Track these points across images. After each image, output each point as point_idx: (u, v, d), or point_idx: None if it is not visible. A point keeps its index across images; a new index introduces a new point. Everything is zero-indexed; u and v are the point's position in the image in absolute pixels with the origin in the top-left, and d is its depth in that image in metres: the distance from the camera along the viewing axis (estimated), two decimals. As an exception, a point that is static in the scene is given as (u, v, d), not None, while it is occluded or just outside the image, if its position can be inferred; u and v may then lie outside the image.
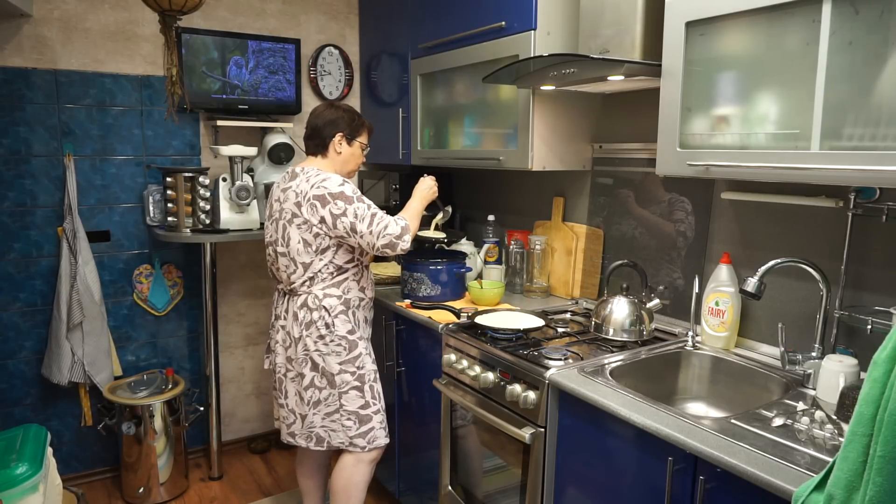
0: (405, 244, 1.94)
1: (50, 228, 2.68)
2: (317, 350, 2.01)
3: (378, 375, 2.13)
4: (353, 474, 2.10)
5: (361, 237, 1.93)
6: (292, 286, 2.03)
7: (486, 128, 2.39)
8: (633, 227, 2.22)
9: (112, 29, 2.70)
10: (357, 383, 2.04)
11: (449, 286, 2.36)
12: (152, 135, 2.84)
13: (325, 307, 2.00)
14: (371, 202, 1.98)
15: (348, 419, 2.04)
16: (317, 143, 2.07)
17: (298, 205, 1.96)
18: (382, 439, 2.10)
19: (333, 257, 2.00)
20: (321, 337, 2.01)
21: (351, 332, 2.04)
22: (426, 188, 2.15)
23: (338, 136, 2.05)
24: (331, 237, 1.97)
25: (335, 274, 2.02)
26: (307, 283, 2.01)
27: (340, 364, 2.02)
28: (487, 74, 2.02)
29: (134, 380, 2.78)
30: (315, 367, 2.03)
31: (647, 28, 1.74)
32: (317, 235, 1.96)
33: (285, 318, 2.07)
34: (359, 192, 1.98)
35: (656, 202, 2.13)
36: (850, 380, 1.43)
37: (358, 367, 2.04)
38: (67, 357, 2.62)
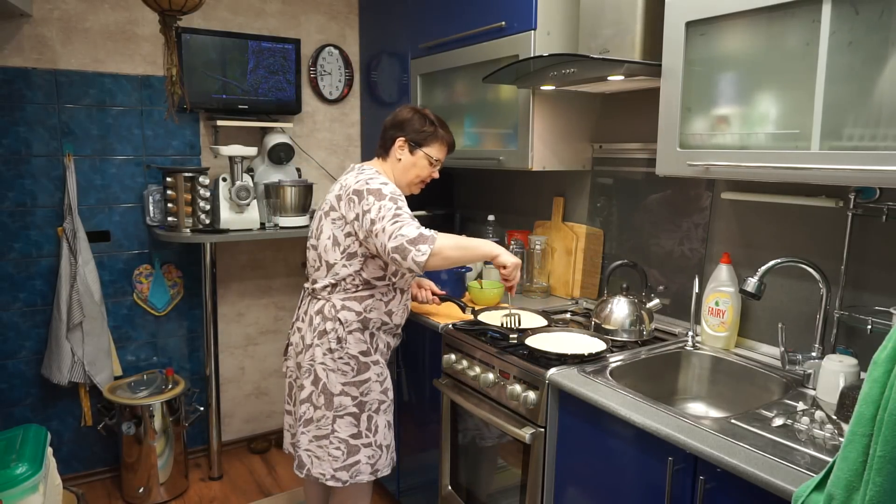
0: (419, 256, 1.64)
1: (50, 228, 2.68)
2: (322, 363, 1.86)
3: (387, 408, 1.96)
4: None
5: (376, 236, 1.71)
6: (315, 286, 1.91)
7: (486, 128, 2.38)
8: (633, 227, 2.22)
9: (112, 29, 2.70)
10: (355, 409, 1.88)
11: (449, 286, 2.36)
12: (152, 135, 2.84)
13: (339, 319, 1.85)
14: (406, 208, 1.77)
15: (337, 448, 1.87)
16: (380, 144, 1.98)
17: (339, 198, 1.84)
18: (366, 475, 1.91)
19: (361, 268, 1.84)
20: (330, 350, 1.86)
21: (365, 353, 1.89)
22: (510, 265, 1.80)
23: (399, 141, 1.92)
24: (360, 241, 1.81)
25: (360, 288, 1.87)
26: (329, 288, 1.87)
27: (343, 385, 1.86)
28: (487, 74, 2.02)
29: (134, 380, 2.78)
30: (317, 381, 1.87)
31: (647, 28, 1.73)
32: (348, 235, 1.82)
33: (303, 321, 1.94)
34: (399, 195, 1.79)
35: (656, 202, 2.13)
36: (850, 380, 1.43)
37: (361, 393, 1.89)
38: (67, 357, 2.62)
